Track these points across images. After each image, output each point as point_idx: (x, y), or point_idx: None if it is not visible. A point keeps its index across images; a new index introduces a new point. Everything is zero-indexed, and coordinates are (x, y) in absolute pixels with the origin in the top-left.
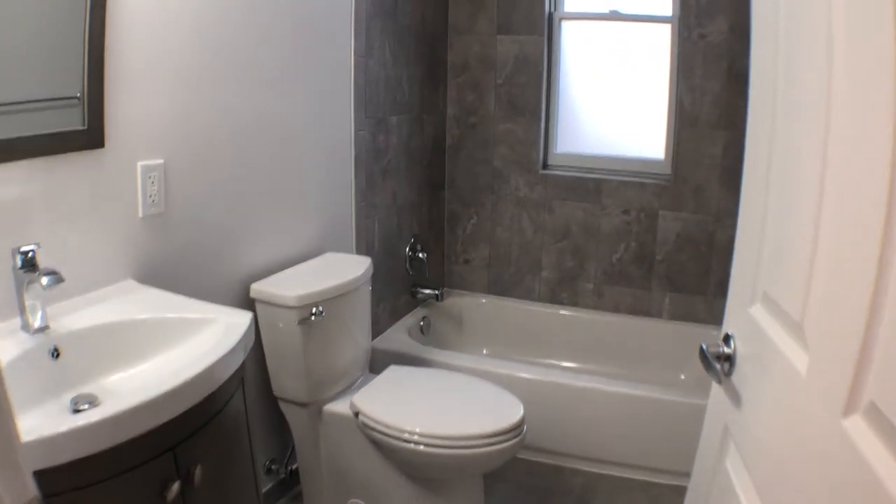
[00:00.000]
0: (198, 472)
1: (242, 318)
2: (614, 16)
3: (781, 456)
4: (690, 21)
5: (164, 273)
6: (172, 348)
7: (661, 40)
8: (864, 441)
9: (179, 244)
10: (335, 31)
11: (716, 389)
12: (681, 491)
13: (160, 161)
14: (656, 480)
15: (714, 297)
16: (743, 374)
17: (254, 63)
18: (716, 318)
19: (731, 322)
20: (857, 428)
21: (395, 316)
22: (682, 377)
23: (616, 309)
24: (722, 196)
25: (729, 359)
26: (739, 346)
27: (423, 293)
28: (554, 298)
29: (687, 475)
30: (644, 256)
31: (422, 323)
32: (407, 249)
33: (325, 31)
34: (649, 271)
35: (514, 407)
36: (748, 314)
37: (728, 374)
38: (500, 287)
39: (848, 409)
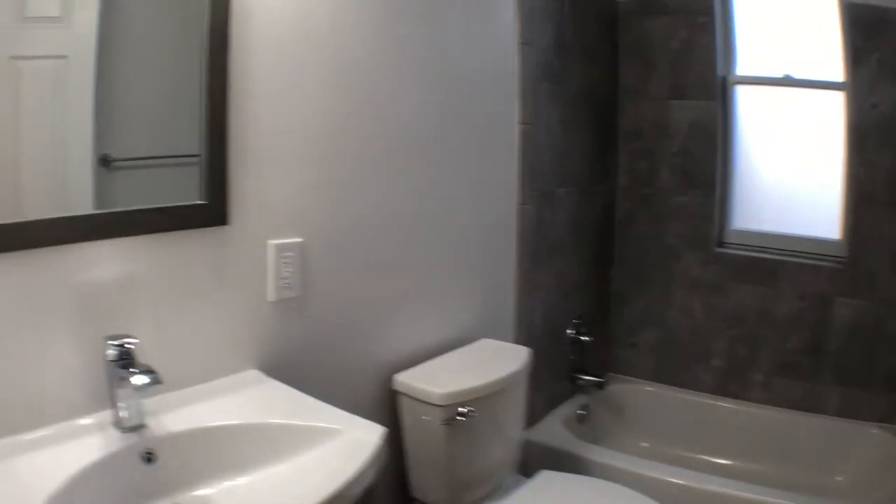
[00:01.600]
0: None
1: (372, 435)
2: (787, 81)
3: None
4: (862, 88)
5: (294, 362)
6: (284, 461)
7: (834, 108)
8: None
9: (315, 330)
10: (498, 98)
11: None
12: None
13: (298, 240)
14: None
15: (877, 391)
16: None
17: (406, 133)
18: (876, 413)
19: None
20: None
21: (552, 403)
22: (839, 479)
23: (783, 403)
24: (894, 282)
25: None
26: None
27: (583, 380)
28: (721, 389)
29: None
30: (816, 347)
31: (580, 412)
32: (569, 331)
33: (487, 97)
34: (819, 363)
35: None
36: None
37: None
38: (666, 375)
39: None
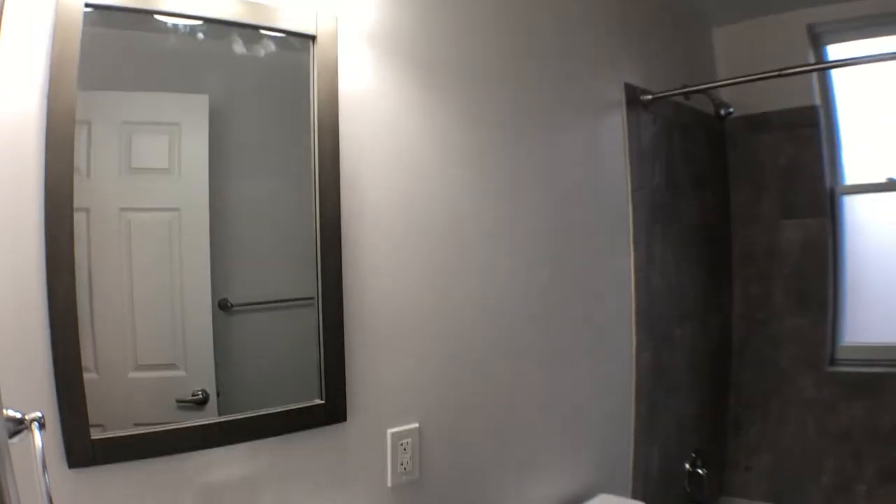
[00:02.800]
0: None
1: None
2: (891, 185)
3: None
4: None
5: None
6: None
7: None
8: None
9: None
10: (612, 248)
11: None
12: None
13: (415, 426)
14: None
15: None
16: None
17: (517, 301)
18: None
19: None
20: None
21: None
22: None
23: None
24: None
25: None
26: None
27: None
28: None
29: None
30: None
31: None
32: (686, 466)
33: (602, 248)
34: None
35: None
36: None
37: None
38: (779, 496)
39: None
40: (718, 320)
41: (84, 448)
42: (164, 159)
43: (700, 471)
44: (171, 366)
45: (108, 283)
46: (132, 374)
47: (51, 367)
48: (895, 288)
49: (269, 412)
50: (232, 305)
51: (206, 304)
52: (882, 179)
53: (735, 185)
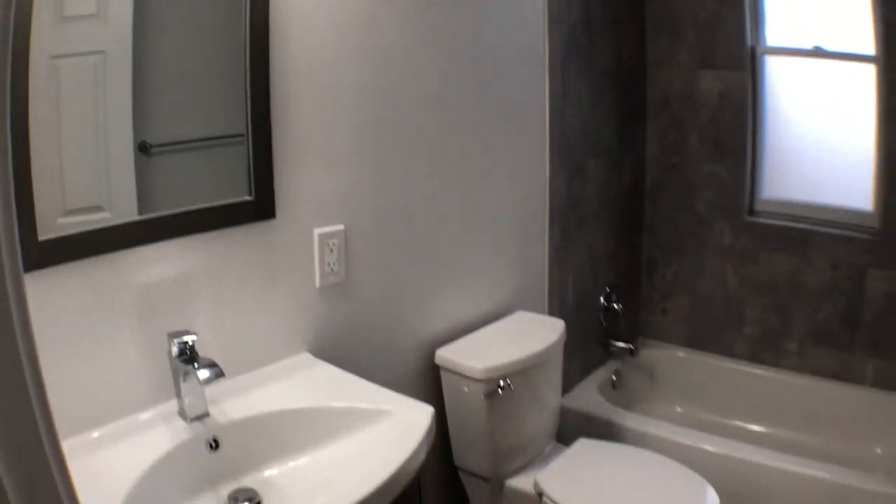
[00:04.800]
0: None
1: (422, 416)
2: (818, 52)
3: None
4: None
5: (342, 343)
6: (341, 442)
7: (866, 80)
8: None
9: (359, 312)
10: (528, 76)
11: None
12: None
13: (340, 227)
14: None
15: None
16: None
17: (440, 116)
18: None
19: None
20: None
21: (586, 370)
22: (878, 451)
23: (817, 372)
24: None
25: None
26: None
27: (616, 346)
28: (755, 357)
29: None
30: (850, 317)
31: (614, 378)
32: (601, 300)
33: (518, 76)
34: (854, 333)
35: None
36: None
37: None
38: (698, 341)
39: None
40: (631, 160)
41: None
42: (92, 5)
43: (616, 305)
44: (97, 208)
45: (39, 132)
46: (61, 220)
47: None
48: (817, 152)
49: (200, 207)
50: (151, 146)
51: (128, 146)
52: (809, 47)
53: (653, 33)
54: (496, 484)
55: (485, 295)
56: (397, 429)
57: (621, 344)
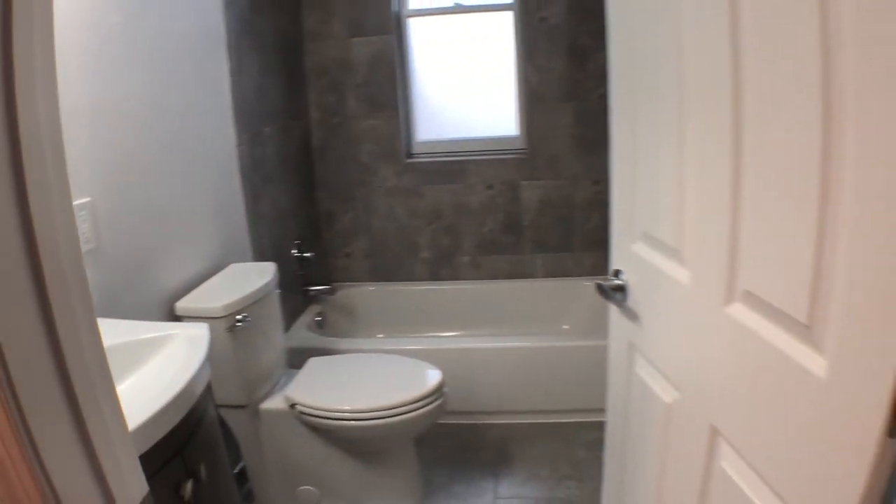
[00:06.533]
0: (202, 469)
1: (201, 330)
2: (458, 9)
3: (681, 348)
4: (531, 6)
5: (100, 305)
6: (146, 365)
7: (505, 26)
8: (748, 319)
9: (112, 275)
10: (211, 56)
11: (616, 316)
12: (588, 426)
13: (87, 199)
14: (564, 420)
15: (580, 251)
16: (636, 297)
17: (150, 102)
18: (584, 269)
19: (618, 260)
20: (740, 311)
21: (294, 315)
22: (566, 327)
23: (494, 276)
24: (575, 162)
25: (622, 288)
26: (629, 277)
27: (313, 290)
28: (435, 276)
29: (590, 411)
30: (512, 225)
31: (318, 318)
32: (293, 251)
33: (202, 57)
34: (519, 237)
35: (433, 373)
36: (632, 251)
37: (624, 300)
38: (383, 274)
39: (728, 300)
40: (299, 125)
41: None
42: None
43: (307, 254)
44: None
45: None
46: None
47: None
48: (466, 95)
49: None
50: None
51: None
52: (450, 4)
53: (309, 8)
54: (252, 410)
55: (204, 253)
56: (186, 342)
57: (318, 287)
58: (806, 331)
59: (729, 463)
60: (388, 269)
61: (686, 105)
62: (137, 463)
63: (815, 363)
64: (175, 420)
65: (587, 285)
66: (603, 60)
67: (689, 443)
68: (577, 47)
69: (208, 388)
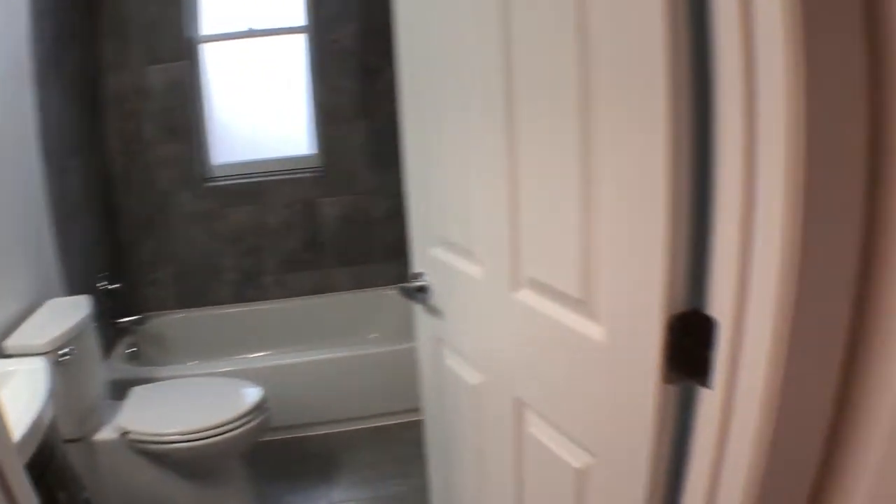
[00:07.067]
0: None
1: (39, 363)
2: (251, 33)
3: (480, 334)
4: (322, 29)
5: None
6: None
7: (298, 49)
8: (534, 301)
9: None
10: (14, 87)
11: (421, 315)
12: (409, 426)
13: None
14: (386, 423)
15: (381, 262)
16: (438, 295)
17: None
18: (388, 279)
19: (419, 264)
20: (527, 296)
21: (107, 348)
22: (374, 335)
23: (300, 293)
24: (371, 177)
25: (424, 289)
26: (430, 278)
27: (124, 322)
28: (241, 297)
29: (409, 411)
30: (313, 241)
31: (132, 350)
32: (101, 284)
33: (4, 87)
34: (321, 253)
35: (254, 391)
36: (431, 254)
37: (427, 299)
38: (190, 299)
39: (516, 287)
40: (100, 154)
41: None
42: None
43: (115, 286)
44: None
45: None
46: None
47: None
48: (261, 117)
49: None
50: None
51: None
52: (244, 28)
53: (106, 39)
54: (86, 443)
55: (19, 289)
56: (29, 376)
57: (127, 318)
58: (582, 305)
59: (537, 428)
60: (194, 295)
61: (468, 115)
62: None
63: (593, 330)
64: (29, 452)
65: (391, 294)
66: (393, 79)
67: (500, 417)
68: (368, 67)
69: (55, 421)
